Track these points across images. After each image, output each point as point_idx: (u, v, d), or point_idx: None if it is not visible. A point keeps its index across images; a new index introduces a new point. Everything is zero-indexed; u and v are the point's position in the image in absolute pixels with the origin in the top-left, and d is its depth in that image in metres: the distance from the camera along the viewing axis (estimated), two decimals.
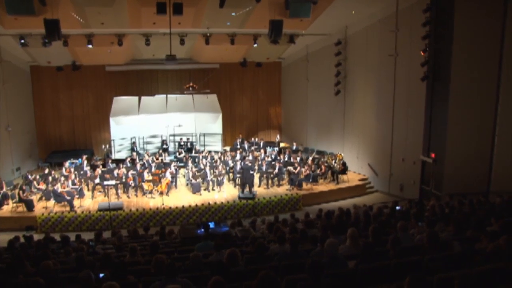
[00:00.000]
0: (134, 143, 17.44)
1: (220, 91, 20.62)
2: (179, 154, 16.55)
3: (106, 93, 19.34)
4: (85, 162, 14.77)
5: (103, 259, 4.69)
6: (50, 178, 12.73)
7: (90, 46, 14.52)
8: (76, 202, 11.59)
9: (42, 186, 12.33)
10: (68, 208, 11.27)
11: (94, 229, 10.32)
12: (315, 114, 18.60)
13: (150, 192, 12.54)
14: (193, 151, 17.09)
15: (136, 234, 7.88)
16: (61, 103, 18.93)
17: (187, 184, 13.67)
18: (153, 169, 13.68)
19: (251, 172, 12.76)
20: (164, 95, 18.58)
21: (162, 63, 14.04)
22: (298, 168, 13.62)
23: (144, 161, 14.64)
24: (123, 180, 12.73)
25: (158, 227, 9.30)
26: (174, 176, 13.48)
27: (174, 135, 18.04)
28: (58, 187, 11.45)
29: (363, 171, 15.23)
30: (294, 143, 17.85)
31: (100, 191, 12.81)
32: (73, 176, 12.57)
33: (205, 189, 13.18)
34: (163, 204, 11.61)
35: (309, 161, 14.35)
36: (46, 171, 13.73)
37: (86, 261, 4.69)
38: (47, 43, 13.43)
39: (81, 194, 12.02)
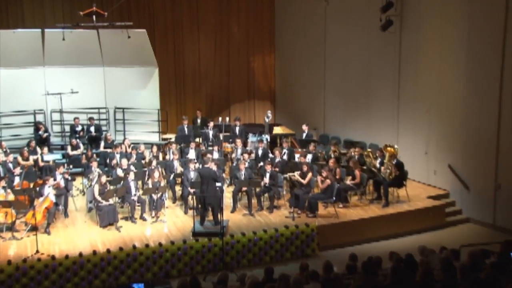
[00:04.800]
0: None
1: (155, 23, 21.55)
2: (73, 149, 16.72)
3: None
4: None
5: None
6: None
7: None
8: None
9: None
10: None
11: None
12: (341, 70, 18.97)
13: (10, 228, 12.53)
14: (102, 144, 17.45)
15: None
16: None
17: (89, 210, 13.84)
18: (16, 181, 13.87)
19: (218, 184, 12.90)
20: (39, 30, 18.67)
21: None
22: (309, 175, 13.83)
23: None
24: None
25: None
26: (62, 194, 13.50)
27: (61, 112, 18.13)
28: None
29: (438, 181, 15.70)
30: (306, 127, 18.07)
31: None
32: None
33: (127, 218, 13.36)
34: (37, 251, 11.49)
35: (331, 162, 14.57)
36: None
37: None
38: None
39: None
